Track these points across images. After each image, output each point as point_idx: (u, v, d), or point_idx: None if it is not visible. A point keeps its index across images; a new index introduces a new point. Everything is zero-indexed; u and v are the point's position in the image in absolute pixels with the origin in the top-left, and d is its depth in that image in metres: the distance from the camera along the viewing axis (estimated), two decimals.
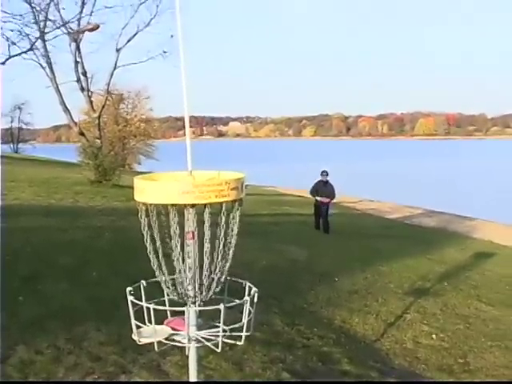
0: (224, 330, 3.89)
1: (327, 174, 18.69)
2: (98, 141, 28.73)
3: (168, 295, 4.05)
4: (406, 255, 15.00)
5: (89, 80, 29.65)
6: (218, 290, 3.93)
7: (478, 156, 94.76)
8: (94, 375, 5.33)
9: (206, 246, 3.76)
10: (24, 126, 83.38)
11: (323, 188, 18.56)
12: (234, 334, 3.97)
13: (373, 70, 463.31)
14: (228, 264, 3.88)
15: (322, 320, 8.86)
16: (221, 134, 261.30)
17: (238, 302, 3.92)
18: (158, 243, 3.82)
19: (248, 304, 3.92)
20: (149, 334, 4.02)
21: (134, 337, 4.01)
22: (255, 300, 3.97)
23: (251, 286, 4.04)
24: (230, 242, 3.84)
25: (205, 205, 3.61)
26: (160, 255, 3.86)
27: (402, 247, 16.96)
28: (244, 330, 3.95)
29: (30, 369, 5.37)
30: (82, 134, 29.32)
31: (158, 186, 3.69)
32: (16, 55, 24.18)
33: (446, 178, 54.16)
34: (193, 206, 3.67)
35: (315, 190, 18.77)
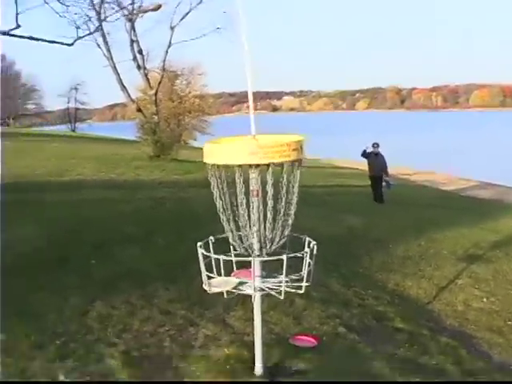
0: (286, 281, 4.29)
1: (378, 146, 18.86)
2: (155, 117, 29.22)
3: (235, 249, 4.46)
4: (459, 224, 15.11)
5: (145, 58, 30.16)
6: (281, 242, 4.32)
7: None
8: (165, 327, 5.79)
9: (270, 202, 4.17)
10: (80, 106, 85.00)
11: (374, 159, 18.77)
12: (295, 284, 4.37)
13: (426, 41, 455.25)
14: (290, 219, 4.27)
15: (376, 283, 9.19)
16: (275, 109, 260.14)
17: (299, 254, 4.32)
18: (227, 200, 4.24)
19: (308, 256, 4.32)
20: (218, 284, 4.45)
21: (205, 287, 4.45)
22: (314, 252, 4.35)
23: (310, 240, 4.43)
24: (292, 199, 4.23)
25: (268, 165, 4.01)
26: (228, 212, 4.27)
27: (455, 217, 17.04)
28: (304, 280, 4.34)
29: (109, 321, 5.88)
30: (139, 110, 29.84)
31: (225, 148, 4.11)
32: (83, 37, 24.78)
33: (502, 150, 53.17)
34: (257, 166, 4.07)
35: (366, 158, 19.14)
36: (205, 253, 4.34)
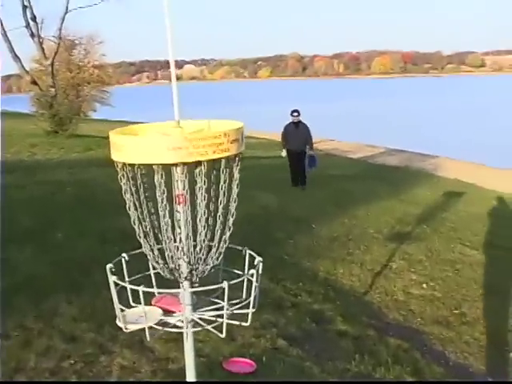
0: (226, 308, 3.25)
1: (299, 114, 15.24)
2: (52, 89, 27.56)
3: (154, 269, 3.39)
4: (378, 197, 14.65)
5: (39, 25, 28.36)
6: (216, 262, 3.29)
7: (434, 93, 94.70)
8: (71, 360, 4.67)
9: (201, 211, 3.09)
10: None
11: (295, 131, 15.17)
12: (237, 312, 3.33)
13: (327, 8, 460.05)
14: (229, 231, 3.22)
15: (305, 272, 8.35)
16: (176, 78, 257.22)
17: (240, 279, 3.28)
18: (145, 211, 3.15)
19: (255, 278, 3.29)
20: (135, 317, 3.37)
21: (119, 323, 3.34)
22: (260, 272, 3.33)
23: (254, 255, 3.40)
24: (230, 206, 3.17)
25: (198, 162, 2.94)
26: (145, 224, 3.18)
27: (372, 189, 16.46)
28: (250, 307, 3.32)
29: None
30: (34, 82, 28.12)
31: (141, 141, 2.95)
32: None
33: (402, 116, 54.04)
34: (184, 164, 2.98)
35: (284, 138, 15.43)
36: (117, 281, 3.23)
